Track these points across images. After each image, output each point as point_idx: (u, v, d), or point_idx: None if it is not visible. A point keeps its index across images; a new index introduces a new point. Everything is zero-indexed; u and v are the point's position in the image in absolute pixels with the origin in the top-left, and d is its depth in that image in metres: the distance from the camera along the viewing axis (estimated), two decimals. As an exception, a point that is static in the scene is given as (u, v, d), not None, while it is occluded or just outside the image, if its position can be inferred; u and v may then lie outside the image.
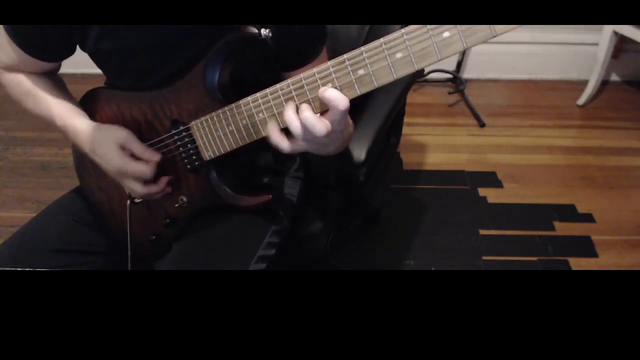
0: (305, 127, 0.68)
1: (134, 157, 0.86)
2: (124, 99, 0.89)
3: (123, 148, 0.85)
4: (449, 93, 2.42)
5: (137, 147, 0.85)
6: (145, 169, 0.85)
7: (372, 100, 1.12)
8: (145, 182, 0.87)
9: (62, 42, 0.87)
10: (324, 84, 0.68)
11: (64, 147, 2.09)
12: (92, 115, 0.92)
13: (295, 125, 0.68)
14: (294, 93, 0.71)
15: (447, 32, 0.59)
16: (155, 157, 0.86)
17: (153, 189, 0.88)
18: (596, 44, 2.23)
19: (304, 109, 0.68)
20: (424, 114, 2.33)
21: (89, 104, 0.93)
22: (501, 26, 0.57)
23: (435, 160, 2.08)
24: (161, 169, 0.88)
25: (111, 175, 0.89)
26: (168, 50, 0.83)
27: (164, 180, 0.88)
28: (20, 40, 0.86)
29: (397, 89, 1.16)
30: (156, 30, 0.81)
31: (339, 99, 0.65)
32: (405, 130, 1.43)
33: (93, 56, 0.90)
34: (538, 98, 2.44)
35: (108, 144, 0.85)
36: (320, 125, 0.66)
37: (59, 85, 0.96)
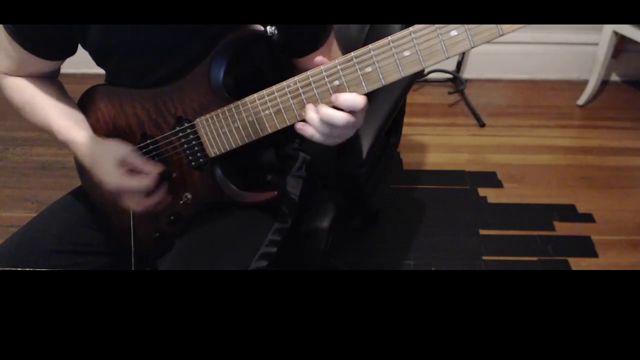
0: (324, 122, 0.69)
1: (135, 171, 0.85)
2: (126, 96, 0.89)
3: (123, 164, 0.85)
4: (449, 93, 2.42)
5: (138, 160, 0.85)
6: (142, 184, 0.85)
7: (372, 100, 1.12)
8: (145, 195, 0.87)
9: (63, 39, 0.87)
10: (330, 81, 0.68)
11: (63, 147, 2.08)
12: (94, 113, 0.92)
13: (316, 122, 0.70)
14: (300, 90, 0.71)
15: (454, 30, 0.60)
16: (157, 169, 0.86)
17: (151, 201, 0.87)
18: (596, 44, 2.23)
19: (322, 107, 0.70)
20: (424, 114, 2.32)
21: (90, 102, 0.93)
22: (508, 25, 0.57)
23: (435, 160, 2.08)
24: (165, 167, 0.88)
25: (110, 192, 0.88)
26: (172, 47, 0.83)
27: (162, 191, 0.88)
28: (21, 38, 0.85)
29: (398, 89, 1.15)
30: (160, 27, 0.80)
31: (355, 101, 0.67)
32: (405, 130, 1.43)
33: (94, 54, 0.89)
34: (538, 98, 2.43)
35: (106, 161, 0.85)
36: (339, 115, 0.68)
37: (59, 92, 0.95)
